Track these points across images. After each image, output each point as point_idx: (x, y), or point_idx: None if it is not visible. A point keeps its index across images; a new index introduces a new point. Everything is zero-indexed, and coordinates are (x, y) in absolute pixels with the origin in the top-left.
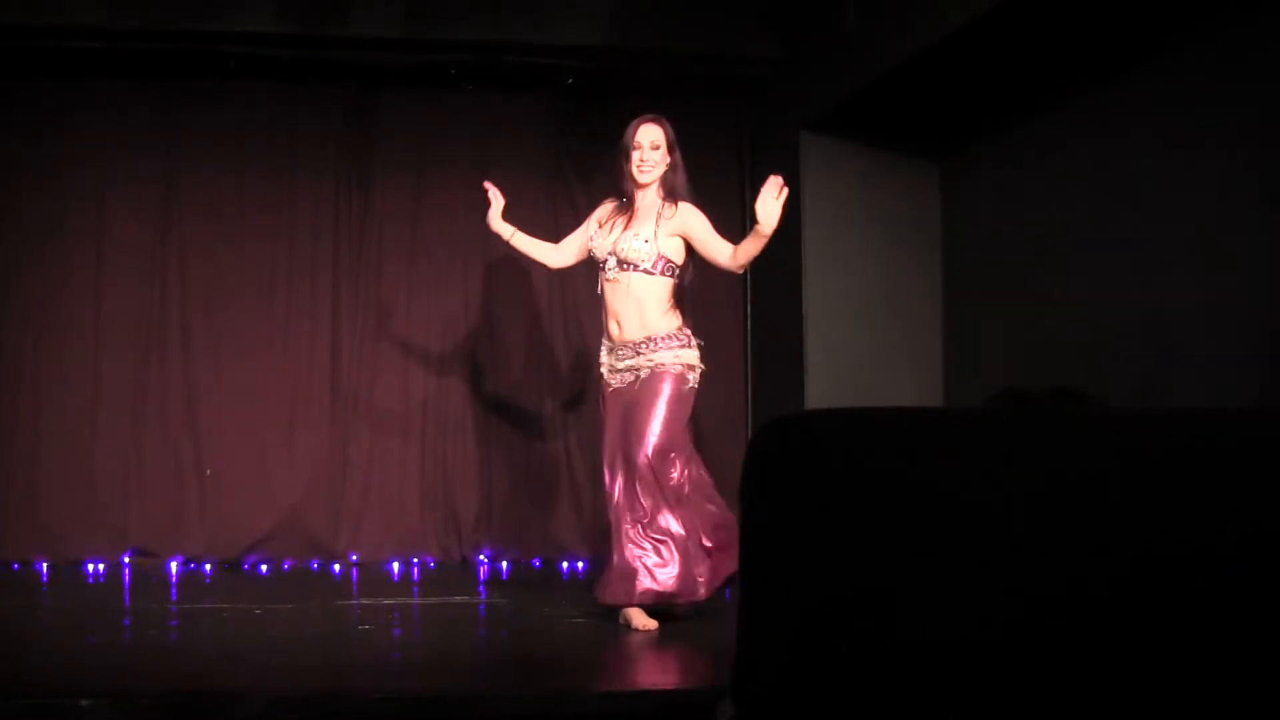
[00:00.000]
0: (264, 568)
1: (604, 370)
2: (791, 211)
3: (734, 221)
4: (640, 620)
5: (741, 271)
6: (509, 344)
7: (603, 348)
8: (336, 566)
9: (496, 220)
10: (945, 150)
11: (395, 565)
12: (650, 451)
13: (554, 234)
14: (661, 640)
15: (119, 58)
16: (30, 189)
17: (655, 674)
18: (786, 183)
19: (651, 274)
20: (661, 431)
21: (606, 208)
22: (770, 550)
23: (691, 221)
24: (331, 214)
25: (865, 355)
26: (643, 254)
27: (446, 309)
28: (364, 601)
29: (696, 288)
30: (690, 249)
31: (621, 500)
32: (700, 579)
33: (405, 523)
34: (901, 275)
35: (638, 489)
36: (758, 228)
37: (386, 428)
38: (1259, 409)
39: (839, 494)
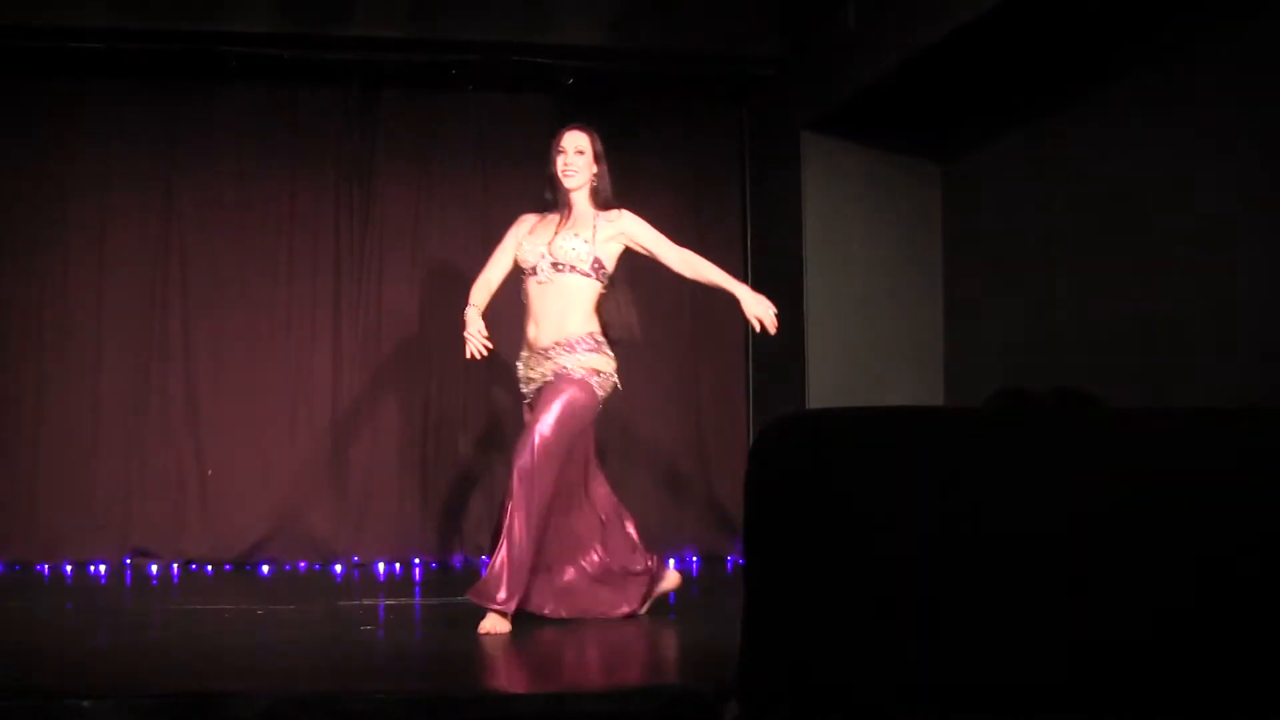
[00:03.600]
0: (265, 569)
1: (520, 383)
2: (793, 210)
3: (733, 221)
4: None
5: (688, 277)
6: (511, 344)
7: (519, 360)
8: (338, 567)
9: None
10: (947, 150)
11: (397, 566)
12: (536, 453)
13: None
14: (665, 640)
15: (120, 58)
16: (31, 190)
17: (659, 674)
18: (788, 182)
19: (587, 276)
20: (550, 433)
21: (528, 219)
22: (774, 550)
23: (636, 229)
24: (332, 215)
25: (866, 354)
26: (580, 255)
27: (448, 309)
28: (365, 602)
29: (699, 287)
30: (621, 259)
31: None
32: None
33: (406, 524)
34: (902, 274)
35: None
36: (737, 288)
37: (387, 428)
38: (1262, 410)
39: (842, 494)
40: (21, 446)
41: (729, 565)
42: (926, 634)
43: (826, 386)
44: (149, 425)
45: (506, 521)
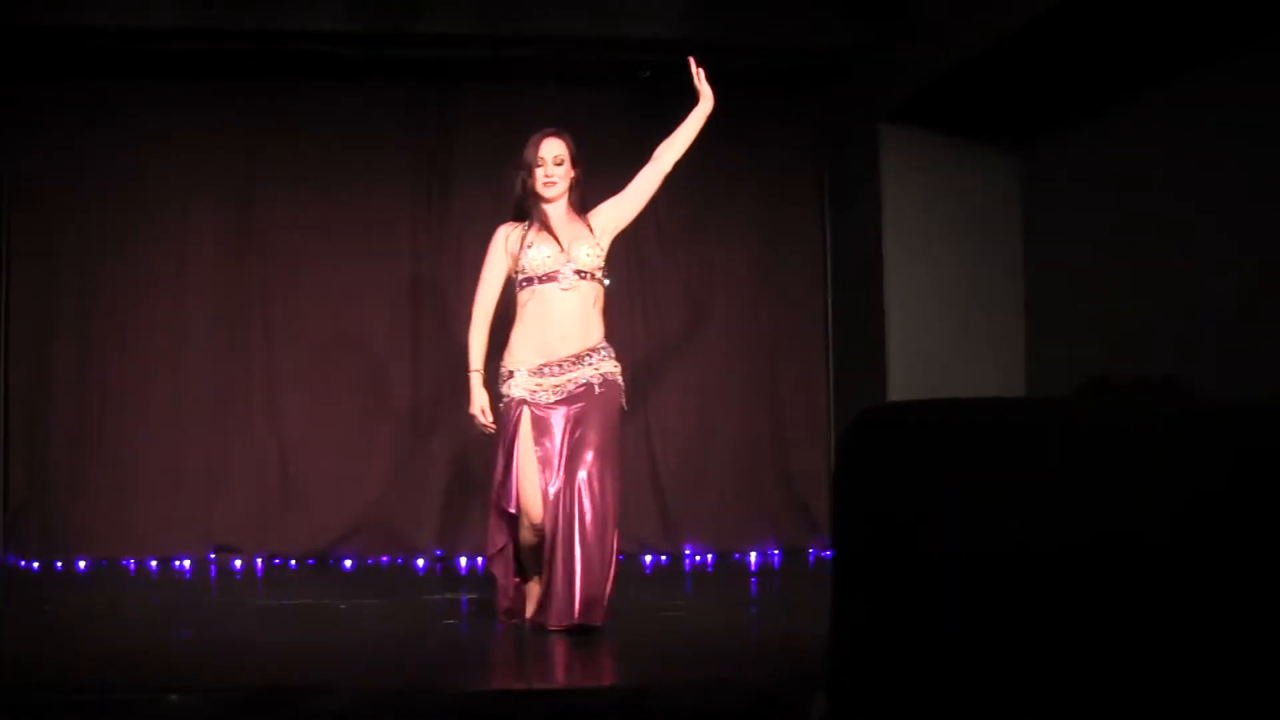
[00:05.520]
0: (348, 563)
1: (522, 391)
2: (871, 202)
3: (811, 215)
4: None
5: (678, 160)
6: None
7: (520, 369)
8: (420, 561)
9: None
10: (1026, 139)
11: (479, 559)
12: (611, 469)
13: (637, 225)
14: (747, 633)
15: (200, 59)
16: (113, 190)
17: (742, 667)
18: (866, 175)
19: (603, 283)
20: (614, 447)
21: (512, 231)
22: (862, 543)
23: (618, 211)
24: (410, 212)
25: (947, 347)
26: (595, 261)
27: None
28: (448, 596)
29: (778, 280)
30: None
31: (587, 517)
32: None
33: (488, 517)
34: (983, 266)
35: (596, 508)
36: (700, 107)
37: (467, 422)
38: None
39: (928, 485)
40: (107, 445)
41: (810, 558)
42: (1015, 626)
43: (906, 379)
44: (231, 422)
45: (609, 549)
